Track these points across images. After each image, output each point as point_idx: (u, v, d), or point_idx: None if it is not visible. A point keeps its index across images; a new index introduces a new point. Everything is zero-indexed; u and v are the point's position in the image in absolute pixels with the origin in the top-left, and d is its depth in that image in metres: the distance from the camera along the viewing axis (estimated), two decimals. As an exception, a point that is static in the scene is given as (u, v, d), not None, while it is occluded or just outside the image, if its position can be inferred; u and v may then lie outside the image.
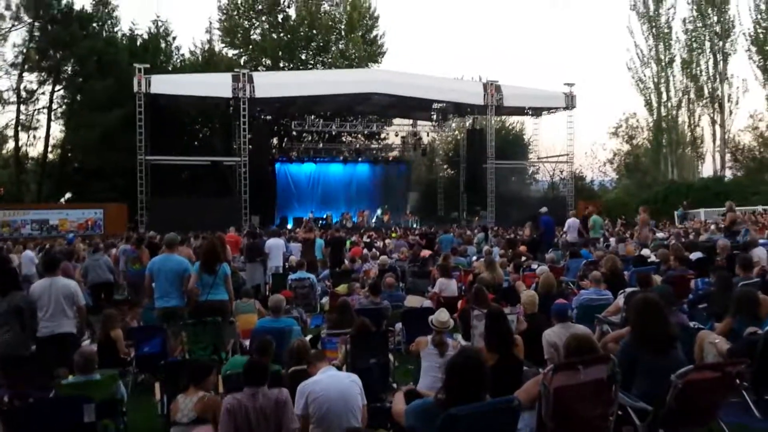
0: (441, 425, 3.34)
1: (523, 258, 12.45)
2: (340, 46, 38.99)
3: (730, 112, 37.64)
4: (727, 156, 38.82)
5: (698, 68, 38.19)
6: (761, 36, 35.36)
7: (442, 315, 5.92)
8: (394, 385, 5.77)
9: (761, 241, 11.49)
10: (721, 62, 37.51)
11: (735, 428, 4.64)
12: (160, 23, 36.69)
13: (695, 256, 10.48)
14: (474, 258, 14.13)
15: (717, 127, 38.10)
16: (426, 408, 3.68)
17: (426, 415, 3.58)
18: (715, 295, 7.19)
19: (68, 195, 34.07)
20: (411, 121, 36.37)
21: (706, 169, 39.70)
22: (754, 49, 35.73)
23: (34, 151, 36.27)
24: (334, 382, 4.40)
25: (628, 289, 7.71)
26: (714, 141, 38.64)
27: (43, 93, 34.27)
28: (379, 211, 32.70)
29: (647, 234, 15.50)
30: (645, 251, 11.83)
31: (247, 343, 7.31)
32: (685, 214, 25.41)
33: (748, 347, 5.27)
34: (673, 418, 4.41)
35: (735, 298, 6.14)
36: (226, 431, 4.15)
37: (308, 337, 7.22)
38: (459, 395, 3.52)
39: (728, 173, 38.26)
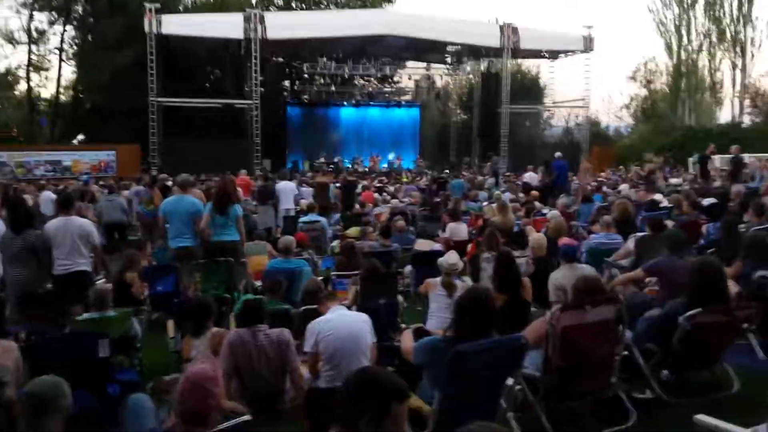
0: (449, 361, 3.39)
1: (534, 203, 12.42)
2: (353, -15, 38.15)
3: (752, 56, 36.74)
4: (747, 102, 38.08)
5: (722, 10, 37.06)
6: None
7: (452, 257, 5.96)
8: (403, 326, 5.85)
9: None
10: (746, 3, 36.35)
11: (739, 370, 4.66)
12: (170, -39, 35.92)
13: (708, 201, 10.41)
14: (485, 203, 14.11)
15: (738, 72, 37.27)
16: (435, 345, 3.73)
17: (435, 351, 3.64)
18: (722, 241, 7.18)
19: (81, 136, 34.10)
20: (425, 64, 35.72)
21: (724, 115, 39.05)
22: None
23: (46, 92, 36.25)
24: (344, 320, 4.46)
25: (638, 234, 7.71)
26: (734, 86, 37.87)
27: (54, 33, 33.99)
28: (391, 156, 32.53)
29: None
30: (657, 196, 11.75)
31: (258, 283, 7.42)
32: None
33: (757, 291, 5.28)
34: (678, 359, 4.46)
35: (745, 242, 6.13)
36: (227, 364, 4.26)
37: (319, 279, 7.30)
38: (468, 332, 3.57)
39: (746, 119, 37.60)
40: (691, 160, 25.23)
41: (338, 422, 2.24)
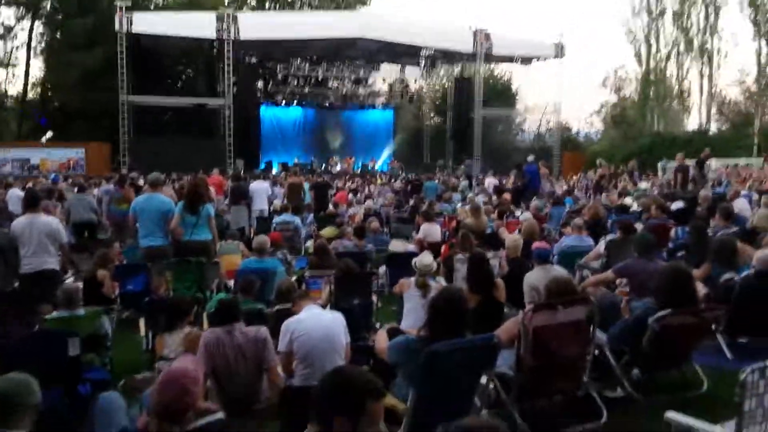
0: (423, 360, 3.40)
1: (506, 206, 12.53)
2: (327, -13, 38.12)
3: (719, 66, 37.57)
4: (713, 109, 38.92)
5: (689, 20, 37.87)
6: (754, -12, 34.96)
7: (426, 258, 5.98)
8: (377, 325, 5.86)
9: (743, 192, 11.64)
10: (713, 15, 37.18)
11: (708, 370, 4.76)
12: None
13: (676, 206, 10.61)
14: (459, 205, 14.19)
15: (705, 81, 38.07)
16: (408, 344, 3.75)
17: (408, 350, 3.66)
18: (691, 245, 7.33)
19: (49, 134, 33.52)
20: (399, 67, 35.85)
21: (692, 123, 39.84)
22: (746, 1, 35.37)
23: (14, 89, 35.54)
24: (317, 320, 4.44)
25: (609, 236, 7.82)
26: (701, 94, 38.66)
27: (21, 29, 33.40)
28: (364, 158, 32.56)
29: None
30: (627, 200, 11.95)
31: (231, 283, 7.36)
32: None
33: (724, 293, 5.40)
34: (648, 359, 4.53)
35: (713, 246, 6.26)
36: (204, 364, 4.22)
37: (293, 278, 7.27)
38: (441, 332, 3.59)
39: (713, 126, 38.44)
40: (660, 164, 25.69)
41: (314, 421, 2.23)
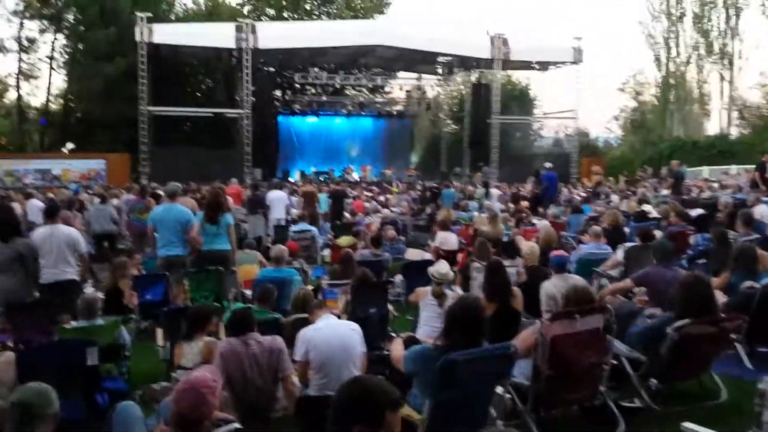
0: (440, 369, 3.40)
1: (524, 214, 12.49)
2: (345, -4, 38.34)
3: (740, 69, 37.17)
4: (734, 114, 38.48)
5: (709, 23, 37.53)
6: (776, -10, 34.58)
7: (442, 267, 5.97)
8: (393, 335, 5.85)
9: (764, 199, 11.48)
10: (734, 17, 36.82)
11: (726, 379, 4.70)
12: (162, -29, 35.98)
13: (696, 212, 10.50)
14: (475, 213, 14.15)
15: (725, 84, 37.68)
16: (425, 353, 3.74)
17: (425, 359, 3.65)
18: (713, 252, 7.24)
19: (71, 145, 33.99)
20: (416, 75, 35.88)
21: (712, 127, 39.41)
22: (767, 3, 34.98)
23: (36, 101, 36.10)
24: (334, 329, 4.46)
25: (628, 244, 7.76)
26: (721, 98, 38.27)
27: (44, 42, 33.95)
28: (381, 166, 32.56)
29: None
30: (646, 207, 11.84)
31: (249, 293, 7.39)
32: None
33: (744, 301, 5.33)
34: (666, 369, 4.48)
35: (734, 253, 6.18)
36: (219, 374, 4.24)
37: (309, 288, 7.29)
38: (458, 341, 3.58)
39: (734, 131, 37.98)
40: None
41: (331, 430, 2.23)
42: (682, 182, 16.18)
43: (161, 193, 11.91)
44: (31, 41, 33.72)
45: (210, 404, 2.88)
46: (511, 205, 14.62)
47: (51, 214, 6.79)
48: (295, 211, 13.59)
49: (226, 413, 3.99)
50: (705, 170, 26.12)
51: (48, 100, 34.45)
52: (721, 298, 5.45)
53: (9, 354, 4.28)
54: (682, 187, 15.93)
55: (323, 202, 14.79)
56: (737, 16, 36.73)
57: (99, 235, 10.75)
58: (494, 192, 19.11)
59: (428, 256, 9.18)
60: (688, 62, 38.82)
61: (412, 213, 15.27)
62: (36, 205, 13.12)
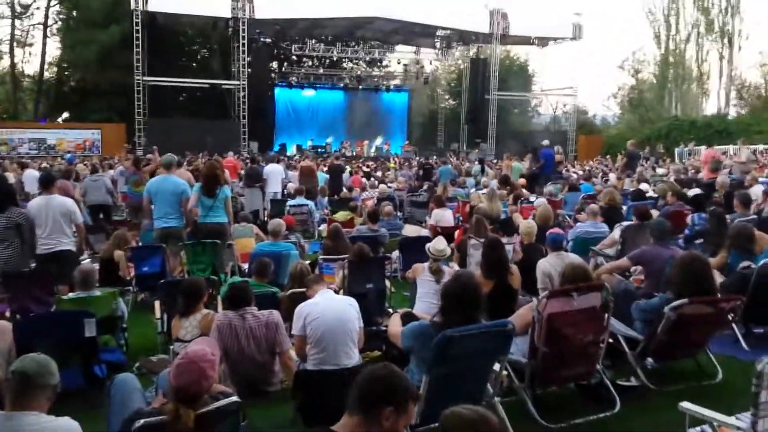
0: (437, 345, 3.40)
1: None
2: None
3: (740, 48, 36.98)
4: (732, 93, 38.39)
5: (710, 1, 37.24)
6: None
7: (440, 243, 5.96)
8: (390, 310, 5.86)
9: (761, 179, 11.49)
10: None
11: (723, 359, 4.74)
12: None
13: (693, 192, 10.50)
14: (472, 190, 14.13)
15: (724, 63, 37.52)
16: (422, 330, 3.74)
17: (422, 336, 3.65)
18: (709, 232, 7.24)
19: (65, 115, 33.72)
20: (414, 49, 35.61)
21: (710, 107, 39.33)
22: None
23: (30, 68, 35.71)
24: (331, 304, 4.45)
25: (625, 223, 7.76)
26: (720, 77, 38.13)
27: (38, 8, 33.47)
28: (378, 141, 32.44)
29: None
30: (644, 186, 11.83)
31: (245, 266, 7.39)
32: None
33: (740, 281, 5.35)
34: (663, 348, 4.51)
35: (730, 233, 6.19)
36: (216, 347, 4.25)
37: (306, 262, 7.29)
38: (455, 317, 3.58)
39: (732, 111, 37.93)
40: (677, 150, 25.43)
41: (356, 409, 2.26)
42: (636, 162, 16.67)
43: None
44: (25, 7, 33.27)
45: (209, 378, 2.88)
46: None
47: (47, 184, 6.73)
48: (291, 185, 13.54)
49: (224, 386, 4.01)
50: (702, 150, 26.09)
51: (42, 68, 34.06)
52: (717, 278, 5.47)
53: (3, 323, 4.26)
54: (635, 165, 16.40)
55: (320, 177, 14.73)
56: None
57: (94, 206, 10.69)
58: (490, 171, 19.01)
59: (425, 232, 9.18)
60: (687, 40, 38.64)
61: (409, 189, 15.23)
62: (32, 174, 13.04)
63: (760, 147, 23.46)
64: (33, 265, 6.28)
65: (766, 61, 38.24)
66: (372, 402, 2.23)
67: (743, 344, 5.15)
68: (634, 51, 45.04)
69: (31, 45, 34.78)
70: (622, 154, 20.08)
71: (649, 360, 4.56)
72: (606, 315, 4.21)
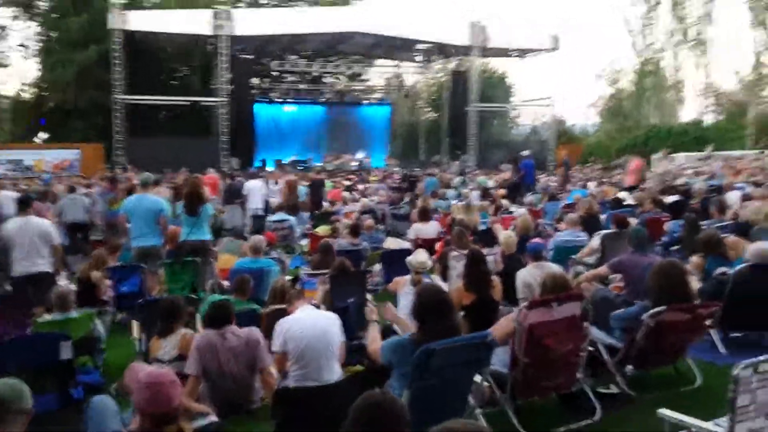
0: (417, 358, 3.39)
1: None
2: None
3: (715, 56, 37.54)
4: (709, 100, 38.92)
5: (685, 9, 37.80)
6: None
7: (420, 256, 5.97)
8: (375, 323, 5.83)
9: (736, 184, 11.65)
10: (710, 3, 37.10)
11: (701, 365, 4.77)
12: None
13: (671, 199, 10.62)
14: (453, 201, 14.16)
15: (700, 71, 38.05)
16: (402, 343, 3.73)
17: (402, 350, 3.64)
18: (684, 238, 7.33)
19: (44, 135, 33.36)
20: (394, 63, 35.77)
21: (687, 114, 39.83)
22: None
23: (7, 90, 35.38)
24: (312, 319, 4.43)
25: (603, 231, 7.82)
26: (696, 85, 38.67)
27: (16, 29, 33.24)
28: (359, 155, 32.44)
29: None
30: (622, 194, 11.94)
31: (227, 283, 7.33)
32: None
33: (717, 287, 5.40)
34: (642, 355, 4.53)
35: (700, 239, 6.26)
36: (195, 367, 4.22)
37: (288, 278, 7.25)
38: (432, 329, 3.58)
39: (709, 118, 38.44)
40: (654, 157, 25.69)
41: None
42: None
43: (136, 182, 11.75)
44: (2, 28, 33.01)
45: (176, 397, 2.85)
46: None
47: (24, 206, 6.67)
48: (273, 200, 13.50)
49: (203, 405, 3.97)
50: (681, 156, 26.39)
51: (20, 90, 33.75)
52: (694, 284, 5.52)
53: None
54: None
55: (301, 192, 14.68)
56: (712, 2, 37.05)
57: (71, 225, 10.58)
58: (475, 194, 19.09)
59: (407, 245, 9.18)
60: (663, 49, 39.16)
61: (391, 202, 15.23)
62: (8, 195, 12.87)
63: (736, 153, 23.81)
64: (8, 287, 6.20)
65: (740, 69, 38.89)
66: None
67: (721, 349, 5.19)
68: (612, 60, 45.56)
69: (7, 66, 34.53)
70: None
71: (629, 367, 4.58)
72: (585, 324, 4.23)
